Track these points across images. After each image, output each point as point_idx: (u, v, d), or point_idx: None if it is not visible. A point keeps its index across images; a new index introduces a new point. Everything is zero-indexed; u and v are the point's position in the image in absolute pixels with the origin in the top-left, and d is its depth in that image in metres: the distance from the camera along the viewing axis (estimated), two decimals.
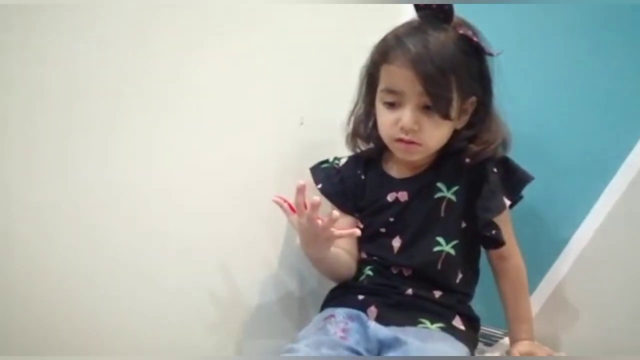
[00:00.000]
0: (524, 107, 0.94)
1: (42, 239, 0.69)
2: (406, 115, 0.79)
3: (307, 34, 0.95)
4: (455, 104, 0.79)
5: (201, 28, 0.81)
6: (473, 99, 0.82)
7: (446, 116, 0.79)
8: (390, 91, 0.81)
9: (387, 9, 0.82)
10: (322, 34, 0.96)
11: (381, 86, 0.83)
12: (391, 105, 0.82)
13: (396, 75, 0.80)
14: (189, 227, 0.82)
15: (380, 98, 0.84)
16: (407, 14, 0.85)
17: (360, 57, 0.86)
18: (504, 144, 0.85)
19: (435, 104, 0.78)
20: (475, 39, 0.79)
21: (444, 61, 0.77)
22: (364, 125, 0.90)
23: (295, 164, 0.94)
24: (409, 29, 0.81)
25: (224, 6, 0.83)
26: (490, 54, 0.81)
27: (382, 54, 0.82)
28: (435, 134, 0.82)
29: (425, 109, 0.79)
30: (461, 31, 0.79)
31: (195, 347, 0.84)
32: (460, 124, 0.84)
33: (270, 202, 0.83)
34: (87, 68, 0.70)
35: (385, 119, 0.83)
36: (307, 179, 0.89)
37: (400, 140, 0.82)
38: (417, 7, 0.81)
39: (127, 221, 0.76)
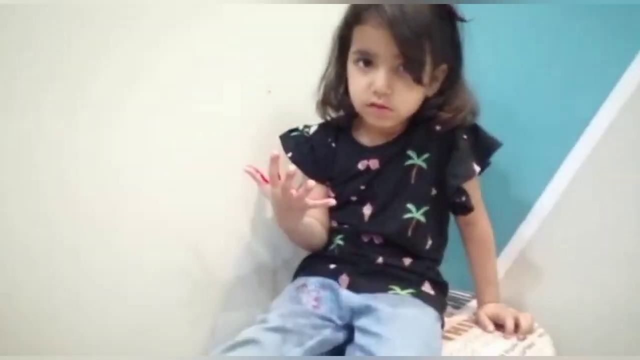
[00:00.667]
0: (490, 75, 0.95)
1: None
2: (380, 77, 0.78)
3: (275, 3, 0.92)
4: (427, 68, 0.79)
5: (168, 3, 0.78)
6: (444, 66, 0.82)
7: (419, 80, 0.78)
8: (363, 52, 0.80)
9: None
10: (292, 4, 0.93)
11: (354, 48, 0.81)
12: (364, 67, 0.80)
13: (370, 36, 0.78)
14: (159, 202, 0.81)
15: (352, 60, 0.82)
16: None
17: (328, 25, 0.84)
18: (473, 112, 0.85)
19: (410, 66, 0.77)
20: (449, 4, 0.78)
21: (419, 25, 0.76)
22: (334, 91, 0.89)
23: (264, 133, 0.92)
24: None
25: None
26: (463, 20, 0.81)
27: (356, 15, 0.80)
28: (408, 98, 0.81)
29: (399, 71, 0.79)
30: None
31: (169, 324, 0.84)
32: (431, 91, 0.84)
33: (241, 172, 0.82)
34: (50, 59, 0.67)
35: (358, 83, 0.82)
36: (277, 148, 0.88)
37: (372, 105, 0.81)
38: None
39: (97, 197, 0.74)
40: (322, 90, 0.90)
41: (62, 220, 0.71)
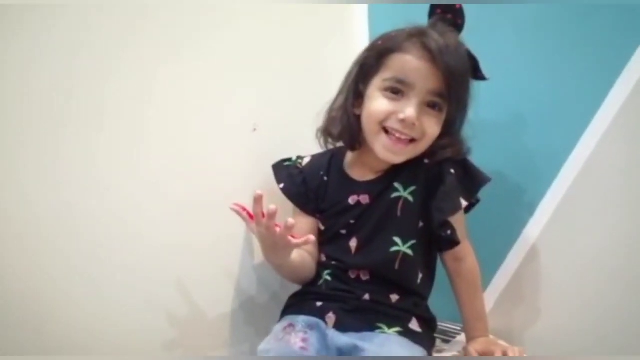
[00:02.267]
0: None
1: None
2: (410, 108, 0.78)
3: (260, 41, 0.93)
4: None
5: (152, 36, 0.79)
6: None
7: (450, 117, 0.81)
8: (399, 80, 0.79)
9: (342, 24, 0.82)
10: (275, 41, 0.94)
11: (386, 75, 0.81)
12: (391, 95, 0.80)
13: (411, 66, 0.78)
14: (145, 239, 0.81)
15: (380, 87, 0.81)
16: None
17: (313, 64, 0.85)
18: (462, 150, 0.86)
19: (451, 98, 0.79)
20: (476, 59, 0.81)
21: (464, 62, 0.78)
22: (339, 120, 0.87)
23: (249, 171, 0.92)
24: (428, 27, 0.81)
25: (178, 14, 0.81)
26: (484, 78, 0.83)
27: (398, 43, 0.80)
28: (431, 135, 0.81)
29: (425, 108, 0.80)
30: (466, 47, 0.80)
31: None
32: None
33: (227, 209, 0.82)
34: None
35: (380, 105, 0.81)
36: (262, 185, 0.88)
37: (387, 132, 0.81)
38: (432, 12, 0.83)
39: (83, 236, 0.75)
40: (326, 118, 0.90)
41: (47, 263, 0.72)
